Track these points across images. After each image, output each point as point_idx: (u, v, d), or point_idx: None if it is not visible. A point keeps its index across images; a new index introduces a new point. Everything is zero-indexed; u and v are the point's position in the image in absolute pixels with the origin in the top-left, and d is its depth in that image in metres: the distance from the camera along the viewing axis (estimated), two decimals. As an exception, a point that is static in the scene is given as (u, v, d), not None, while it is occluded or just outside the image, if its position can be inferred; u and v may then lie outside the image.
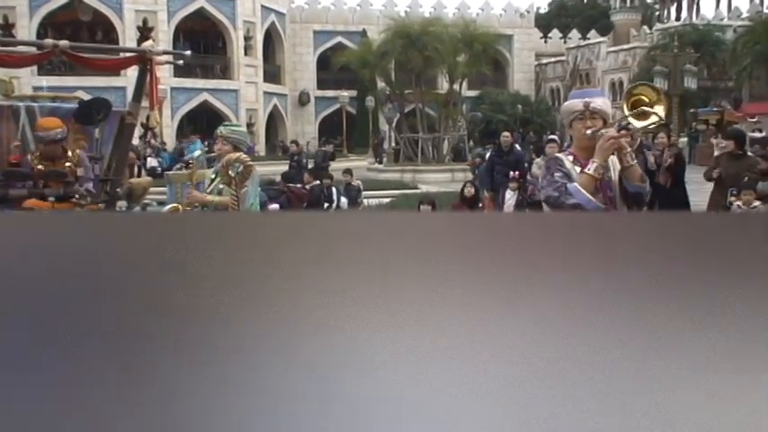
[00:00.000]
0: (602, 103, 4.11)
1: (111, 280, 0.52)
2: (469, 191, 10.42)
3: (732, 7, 48.86)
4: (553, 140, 11.75)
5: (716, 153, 10.31)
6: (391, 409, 0.42)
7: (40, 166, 6.72)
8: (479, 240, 0.56)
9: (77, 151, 6.96)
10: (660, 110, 4.09)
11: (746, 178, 8.46)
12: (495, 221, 0.66)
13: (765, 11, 40.74)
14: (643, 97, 4.13)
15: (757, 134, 18.45)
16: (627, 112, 4.12)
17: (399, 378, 0.43)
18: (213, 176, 5.52)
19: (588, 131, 4.00)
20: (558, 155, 4.33)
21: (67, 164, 6.78)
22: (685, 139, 28.90)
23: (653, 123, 4.21)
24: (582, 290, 0.51)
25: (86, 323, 0.49)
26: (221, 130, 5.55)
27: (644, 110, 4.08)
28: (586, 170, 3.92)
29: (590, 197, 3.88)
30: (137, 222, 0.68)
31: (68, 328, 0.48)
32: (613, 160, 4.09)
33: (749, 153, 9.58)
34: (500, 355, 0.45)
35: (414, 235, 0.56)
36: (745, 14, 42.84)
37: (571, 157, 4.11)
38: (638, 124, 4.12)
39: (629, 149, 3.99)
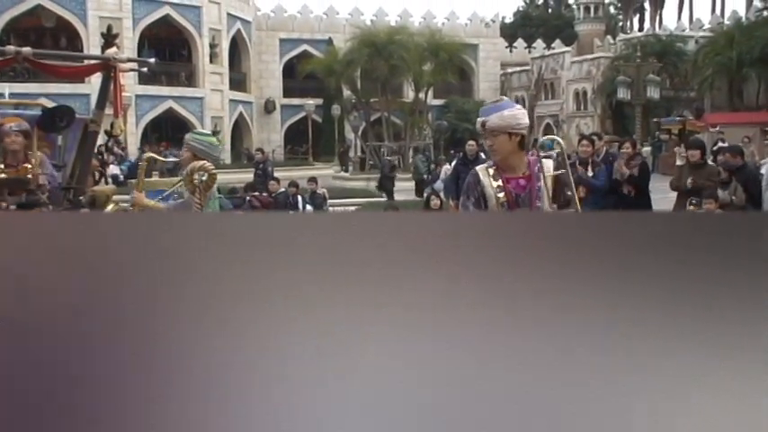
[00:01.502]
0: (497, 119, 3.97)
1: (109, 279, 0.53)
2: (435, 203, 10.43)
3: (694, 18, 49.56)
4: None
5: (678, 162, 10.44)
6: (387, 409, 0.41)
7: (2, 175, 6.64)
8: (477, 240, 0.56)
9: (38, 154, 6.88)
10: None
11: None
12: (492, 221, 0.67)
13: (726, 22, 41.35)
14: None
15: (720, 144, 18.71)
16: None
17: (398, 378, 0.43)
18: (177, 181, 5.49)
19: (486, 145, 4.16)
20: (478, 169, 4.21)
21: (28, 166, 6.72)
22: (648, 149, 29.24)
23: None
24: (581, 290, 0.51)
25: (85, 322, 0.48)
26: (186, 136, 5.51)
27: None
28: None
29: None
30: (129, 222, 0.68)
31: (68, 328, 0.48)
32: (547, 165, 4.14)
33: (710, 162, 9.73)
34: (499, 354, 0.45)
35: (412, 235, 0.57)
36: (706, 26, 43.46)
37: (492, 170, 4.07)
38: None
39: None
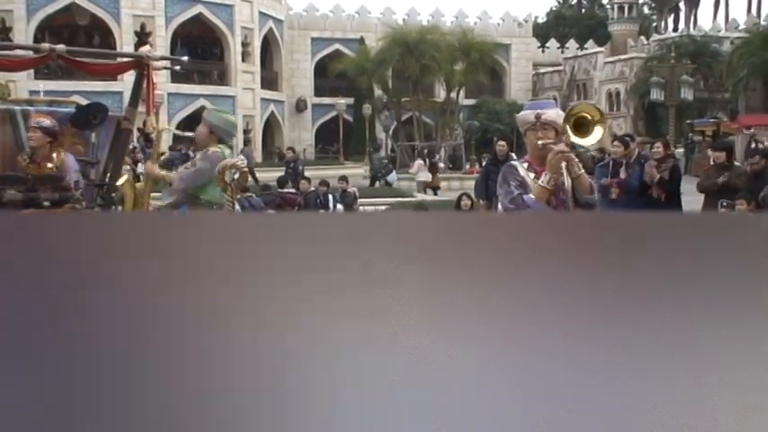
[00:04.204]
0: (553, 114, 4.31)
1: (112, 279, 0.52)
2: (466, 203, 10.41)
3: (729, 19, 49.04)
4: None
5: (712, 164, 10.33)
6: (390, 408, 0.41)
7: (28, 169, 6.72)
8: (478, 240, 0.56)
9: (62, 154, 6.94)
10: (599, 130, 4.19)
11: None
12: (494, 221, 0.65)
13: (762, 23, 40.81)
14: (586, 115, 4.21)
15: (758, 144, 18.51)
16: (569, 130, 4.20)
17: (399, 378, 0.43)
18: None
19: (540, 142, 4.20)
20: (513, 162, 4.56)
21: (49, 165, 6.79)
22: (681, 150, 28.96)
23: (592, 143, 4.31)
24: (581, 290, 0.51)
25: (87, 323, 0.48)
26: (204, 112, 5.53)
27: (585, 126, 4.24)
28: (540, 182, 4.13)
29: (545, 206, 4.11)
30: (136, 222, 0.67)
31: (69, 328, 0.48)
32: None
33: (736, 163, 9.67)
34: (500, 354, 0.45)
35: (413, 235, 0.56)
36: (742, 26, 42.94)
37: (526, 164, 4.33)
38: (579, 141, 4.23)
39: (576, 160, 4.22)
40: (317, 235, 0.56)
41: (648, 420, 0.40)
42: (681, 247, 0.54)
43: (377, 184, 24.18)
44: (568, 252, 0.54)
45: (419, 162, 25.55)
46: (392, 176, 24.56)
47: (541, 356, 0.45)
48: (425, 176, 23.71)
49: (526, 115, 4.35)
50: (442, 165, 26.77)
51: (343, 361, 0.44)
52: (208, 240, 0.56)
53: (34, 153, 6.78)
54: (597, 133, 4.20)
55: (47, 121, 6.80)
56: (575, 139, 4.18)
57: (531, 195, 4.12)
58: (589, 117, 4.21)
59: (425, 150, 28.31)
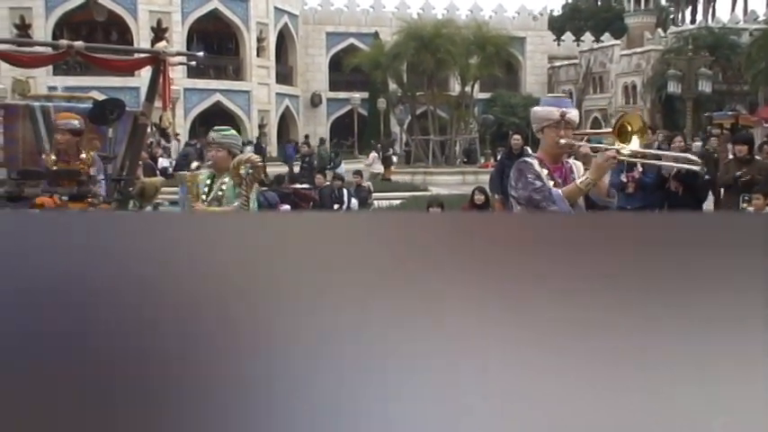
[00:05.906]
0: (575, 115, 4.32)
1: (114, 279, 0.52)
2: (479, 198, 10.40)
3: (748, 10, 48.67)
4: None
5: (731, 157, 10.28)
6: (392, 407, 0.42)
7: (54, 167, 6.77)
8: (481, 241, 0.56)
9: (91, 153, 7.02)
10: (636, 139, 4.19)
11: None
12: (496, 222, 0.67)
13: (780, 15, 40.49)
14: (628, 125, 4.20)
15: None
16: (615, 136, 4.20)
17: (400, 377, 0.44)
18: (209, 182, 5.43)
19: (562, 141, 4.20)
20: (526, 159, 4.47)
21: (79, 164, 6.84)
22: (699, 144, 28.75)
23: (630, 151, 4.29)
24: (582, 289, 0.50)
25: (88, 322, 0.49)
26: (213, 136, 5.51)
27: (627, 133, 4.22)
28: (578, 182, 4.12)
29: (570, 209, 4.06)
30: (140, 222, 0.69)
31: (70, 328, 0.48)
32: (578, 166, 4.30)
33: (757, 157, 9.60)
34: (501, 352, 0.45)
35: (416, 235, 0.56)
36: (761, 18, 42.62)
37: (536, 161, 4.29)
38: (620, 147, 4.20)
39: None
40: (333, 235, 0.57)
41: (648, 419, 0.41)
42: (680, 247, 0.54)
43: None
44: (572, 252, 0.54)
45: (373, 155, 26.78)
46: (341, 169, 25.22)
47: (542, 356, 0.45)
48: (378, 168, 24.92)
49: (550, 112, 4.29)
50: (395, 158, 28.23)
51: (344, 360, 0.45)
52: (213, 240, 0.57)
53: (61, 153, 6.84)
54: (634, 143, 4.19)
55: (74, 122, 6.85)
56: (619, 144, 4.16)
57: (561, 192, 4.11)
58: (629, 127, 4.18)
59: (379, 144, 29.30)
